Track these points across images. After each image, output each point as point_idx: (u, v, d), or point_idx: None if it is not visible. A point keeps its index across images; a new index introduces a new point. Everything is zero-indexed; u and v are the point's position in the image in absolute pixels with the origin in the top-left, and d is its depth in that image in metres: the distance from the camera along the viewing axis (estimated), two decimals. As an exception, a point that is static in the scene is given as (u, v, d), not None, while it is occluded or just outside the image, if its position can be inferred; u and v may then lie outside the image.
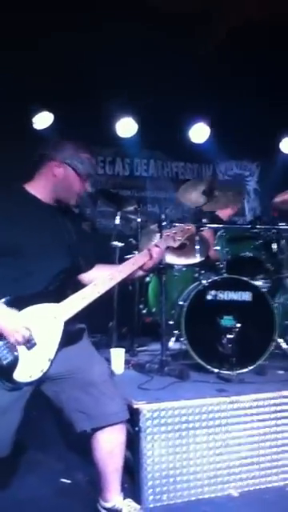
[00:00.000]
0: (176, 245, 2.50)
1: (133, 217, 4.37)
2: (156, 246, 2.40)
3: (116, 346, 3.45)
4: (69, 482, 2.66)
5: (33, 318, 2.01)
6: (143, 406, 2.48)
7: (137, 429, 2.46)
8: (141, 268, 2.36)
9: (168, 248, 2.50)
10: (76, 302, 2.11)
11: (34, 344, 2.01)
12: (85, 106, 4.98)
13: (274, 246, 3.84)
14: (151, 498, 2.45)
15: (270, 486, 2.66)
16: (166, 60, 4.76)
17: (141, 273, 2.41)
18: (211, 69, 4.93)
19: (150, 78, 4.85)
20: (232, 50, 4.84)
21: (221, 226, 3.93)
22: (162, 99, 5.11)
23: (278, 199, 4.07)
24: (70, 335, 2.12)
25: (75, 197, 2.25)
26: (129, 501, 2.27)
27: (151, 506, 2.43)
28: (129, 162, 6.22)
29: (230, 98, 5.26)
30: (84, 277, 2.29)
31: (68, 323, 2.10)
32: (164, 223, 3.16)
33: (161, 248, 2.41)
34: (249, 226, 3.85)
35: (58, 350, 2.07)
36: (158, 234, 3.39)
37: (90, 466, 2.27)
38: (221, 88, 5.13)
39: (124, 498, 2.26)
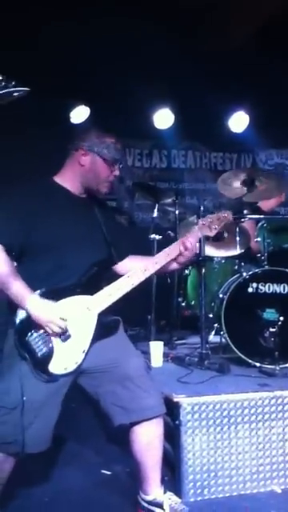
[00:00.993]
0: (213, 233, 2.44)
1: (171, 209, 4.32)
2: (190, 236, 2.33)
3: (155, 339, 3.44)
4: (109, 473, 2.67)
5: (67, 310, 2.01)
6: (183, 400, 2.45)
7: (177, 422, 2.43)
8: (175, 260, 2.31)
9: (206, 238, 2.44)
10: (110, 294, 2.10)
11: (69, 336, 2.01)
12: (121, 99, 4.96)
13: None
14: (192, 492, 2.42)
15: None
16: (201, 49, 4.68)
17: (176, 265, 2.35)
18: (247, 57, 4.81)
19: (185, 68, 4.78)
20: (270, 38, 4.69)
21: (261, 216, 3.82)
22: (198, 89, 5.02)
23: None
24: (105, 327, 2.11)
25: (105, 184, 2.21)
26: (170, 494, 2.25)
27: (192, 500, 2.41)
28: (166, 154, 6.16)
29: (269, 86, 5.12)
30: (118, 268, 2.27)
31: (102, 315, 2.09)
32: (202, 214, 3.09)
33: (195, 238, 2.35)
34: (291, 217, 3.73)
35: (92, 342, 2.06)
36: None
37: (129, 458, 2.26)
38: (258, 76, 4.99)
39: (165, 492, 2.24)
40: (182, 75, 4.83)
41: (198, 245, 2.50)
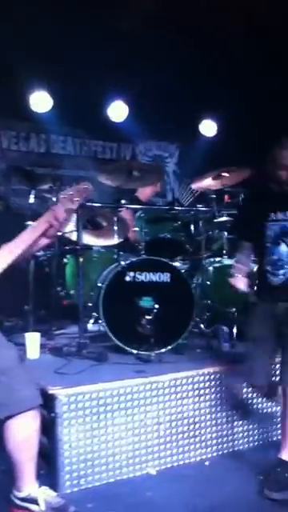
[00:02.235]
0: (75, 206, 2.42)
1: (48, 196, 4.20)
2: (52, 210, 2.29)
3: (33, 330, 3.33)
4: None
5: None
6: (59, 391, 2.41)
7: (53, 415, 2.38)
8: (44, 235, 2.27)
9: (69, 210, 2.41)
10: None
11: None
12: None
13: (192, 228, 3.88)
14: (68, 483, 2.40)
15: (187, 462, 2.72)
16: (85, 33, 4.59)
17: (46, 241, 2.32)
18: (133, 46, 4.83)
19: (66, 51, 4.66)
20: (155, 28, 4.76)
21: (139, 206, 3.90)
22: (79, 74, 4.93)
23: (196, 185, 4.11)
24: None
25: None
26: (45, 488, 2.20)
27: (68, 491, 2.39)
28: (45, 139, 5.98)
29: (150, 78, 5.20)
30: None
31: None
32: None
33: (59, 211, 2.31)
34: (167, 208, 3.86)
35: None
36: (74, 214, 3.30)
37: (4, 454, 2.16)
38: (141, 67, 5.05)
39: (40, 486, 2.18)
40: (62, 56, 4.70)
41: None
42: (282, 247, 2.55)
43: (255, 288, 2.77)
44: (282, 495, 2.36)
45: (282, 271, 2.55)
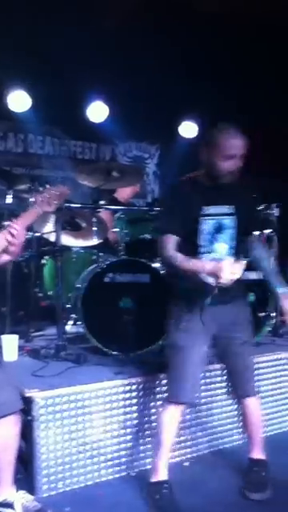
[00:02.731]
0: (53, 209, 2.35)
1: (26, 196, 4.15)
2: (18, 221, 2.17)
3: (11, 332, 3.28)
4: None
5: None
6: (36, 394, 2.37)
7: (30, 418, 2.34)
8: (6, 252, 2.15)
9: (46, 213, 2.34)
10: None
11: None
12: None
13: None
14: (46, 487, 2.37)
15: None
16: (65, 33, 4.55)
17: (8, 257, 2.19)
18: (113, 46, 4.81)
19: (46, 50, 4.61)
20: (136, 28, 4.75)
21: (118, 207, 3.88)
22: (58, 73, 4.89)
23: None
24: None
25: None
26: (22, 493, 2.17)
27: (46, 495, 2.36)
28: (22, 138, 5.92)
29: (131, 78, 5.19)
30: None
31: None
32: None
33: (31, 217, 2.23)
34: (147, 208, 3.85)
35: None
36: (54, 215, 3.27)
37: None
38: (121, 67, 5.03)
39: (18, 490, 2.15)
40: (42, 55, 4.65)
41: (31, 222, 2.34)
42: (217, 244, 2.31)
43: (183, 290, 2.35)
44: (262, 495, 2.37)
45: None
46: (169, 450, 2.35)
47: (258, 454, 2.53)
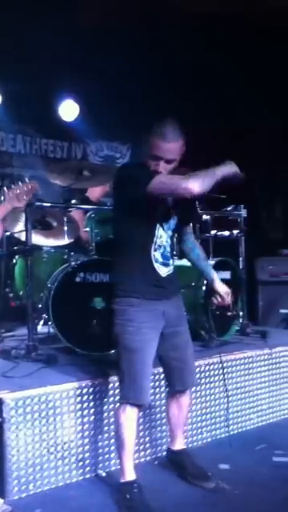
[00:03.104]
0: (22, 204, 2.38)
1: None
2: None
3: (-20, 333, 3.24)
4: None
5: None
6: (6, 396, 2.35)
7: (0, 420, 2.32)
8: None
9: (15, 209, 2.35)
10: None
11: None
12: None
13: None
14: (16, 489, 2.35)
15: (137, 462, 2.70)
16: (37, 31, 4.51)
17: None
18: (85, 45, 4.79)
19: (17, 47, 4.56)
20: (108, 27, 4.74)
21: (90, 206, 3.88)
22: (30, 71, 4.84)
23: None
24: None
25: None
26: (-8, 496, 2.15)
27: (16, 497, 2.34)
28: (-7, 136, 5.84)
29: (102, 78, 5.18)
30: None
31: None
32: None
33: (2, 212, 2.26)
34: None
35: None
36: (24, 214, 3.24)
37: None
38: (93, 66, 5.02)
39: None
40: (12, 52, 4.59)
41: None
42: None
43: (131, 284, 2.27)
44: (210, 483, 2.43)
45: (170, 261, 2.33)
46: (132, 450, 2.34)
47: (182, 444, 2.60)
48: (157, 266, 2.28)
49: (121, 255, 2.32)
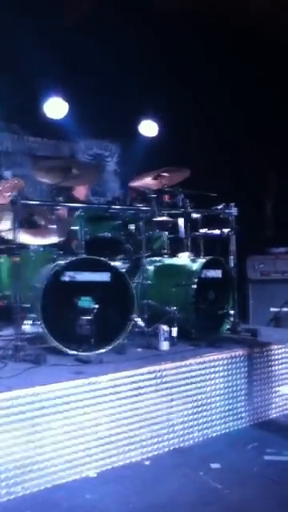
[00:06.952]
0: (7, 200, 2.35)
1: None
2: None
3: None
4: None
5: None
6: (-7, 396, 2.31)
7: (-13, 421, 2.28)
8: None
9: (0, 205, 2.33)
10: None
11: None
12: None
13: (132, 227, 3.86)
14: (4, 491, 2.31)
15: (128, 462, 2.69)
16: (24, 28, 4.46)
17: None
18: (74, 42, 4.76)
19: (4, 44, 4.51)
20: (97, 25, 4.71)
21: (78, 205, 3.84)
22: (18, 68, 4.79)
23: (134, 184, 4.12)
24: None
25: None
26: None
27: (5, 499, 2.30)
28: (-21, 135, 5.78)
29: (91, 75, 5.15)
30: None
31: None
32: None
33: None
34: (107, 206, 3.82)
35: None
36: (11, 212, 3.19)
37: None
38: (82, 64, 4.98)
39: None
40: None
41: None
42: None
43: None
44: None
45: None
46: None
47: None
48: None
49: None
